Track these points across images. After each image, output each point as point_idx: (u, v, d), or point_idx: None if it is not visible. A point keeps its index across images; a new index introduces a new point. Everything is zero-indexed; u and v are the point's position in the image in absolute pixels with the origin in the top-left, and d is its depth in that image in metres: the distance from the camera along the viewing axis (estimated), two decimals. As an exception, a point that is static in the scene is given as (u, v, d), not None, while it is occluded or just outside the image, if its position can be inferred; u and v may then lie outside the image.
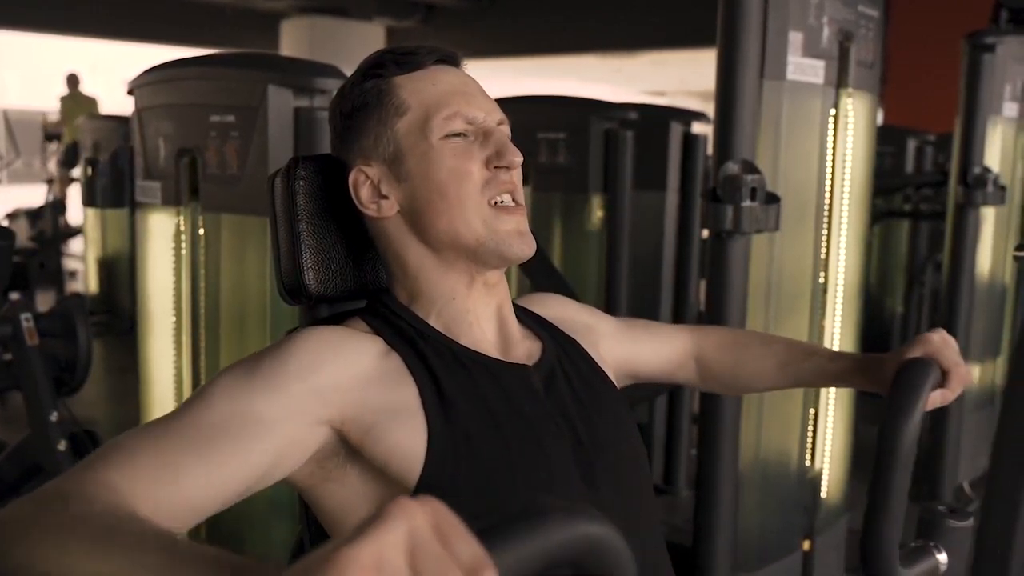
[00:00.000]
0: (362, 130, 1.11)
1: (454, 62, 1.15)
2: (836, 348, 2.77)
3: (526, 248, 1.09)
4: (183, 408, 0.96)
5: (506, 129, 1.12)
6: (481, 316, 1.12)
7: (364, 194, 1.11)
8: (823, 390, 2.72)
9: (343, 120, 1.14)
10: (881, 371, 1.22)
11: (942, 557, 1.16)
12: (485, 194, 1.07)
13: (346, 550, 0.51)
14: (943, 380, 1.17)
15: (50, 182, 8.87)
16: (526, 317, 1.21)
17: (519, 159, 1.08)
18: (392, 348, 1.06)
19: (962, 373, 1.18)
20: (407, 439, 0.99)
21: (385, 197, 1.10)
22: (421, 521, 0.54)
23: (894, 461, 1.10)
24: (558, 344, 1.19)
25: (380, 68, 1.11)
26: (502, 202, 1.08)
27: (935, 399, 1.16)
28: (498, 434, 1.02)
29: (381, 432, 0.99)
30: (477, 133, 1.09)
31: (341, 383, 1.00)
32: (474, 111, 1.09)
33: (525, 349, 1.15)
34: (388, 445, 0.99)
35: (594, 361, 1.23)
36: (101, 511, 0.77)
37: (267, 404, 0.96)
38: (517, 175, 1.10)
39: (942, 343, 1.18)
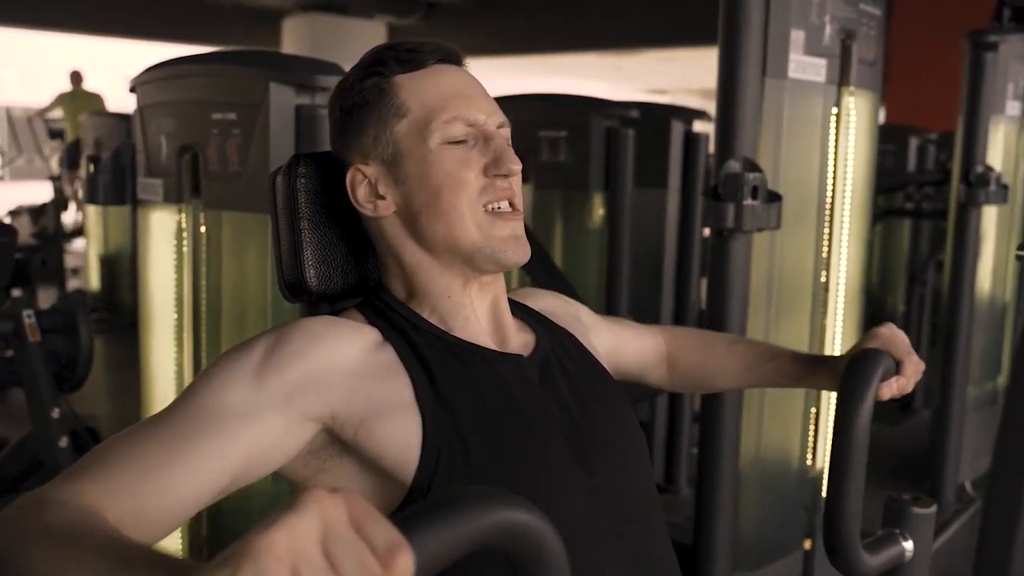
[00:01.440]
0: (361, 128, 1.11)
1: (456, 61, 1.14)
2: (838, 347, 2.76)
3: (521, 254, 1.09)
4: (172, 404, 0.96)
5: (506, 132, 1.11)
6: (477, 310, 1.12)
7: (361, 193, 1.11)
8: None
9: (342, 116, 1.14)
10: (836, 368, 1.27)
11: (908, 544, 1.18)
12: (481, 200, 1.07)
13: (258, 539, 0.51)
14: (897, 370, 1.21)
15: (54, 179, 8.87)
16: (518, 310, 1.21)
17: (518, 167, 1.08)
18: (386, 340, 1.06)
19: (914, 361, 1.22)
20: (401, 432, 0.99)
21: (382, 197, 1.10)
22: (333, 510, 0.55)
23: (849, 450, 1.14)
24: (551, 335, 1.19)
25: (381, 66, 1.10)
26: (499, 208, 1.08)
27: (891, 388, 1.20)
28: (493, 425, 1.02)
29: (374, 425, 0.99)
30: (477, 137, 1.08)
31: (328, 377, 1.00)
32: (475, 114, 1.08)
33: (520, 341, 1.15)
34: (381, 438, 0.99)
35: (588, 351, 1.23)
36: (68, 519, 0.78)
37: (248, 400, 0.95)
38: (516, 181, 1.10)
39: (891, 334, 1.23)
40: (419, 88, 1.09)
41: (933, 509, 1.18)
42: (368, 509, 0.56)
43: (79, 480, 0.86)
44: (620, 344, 1.38)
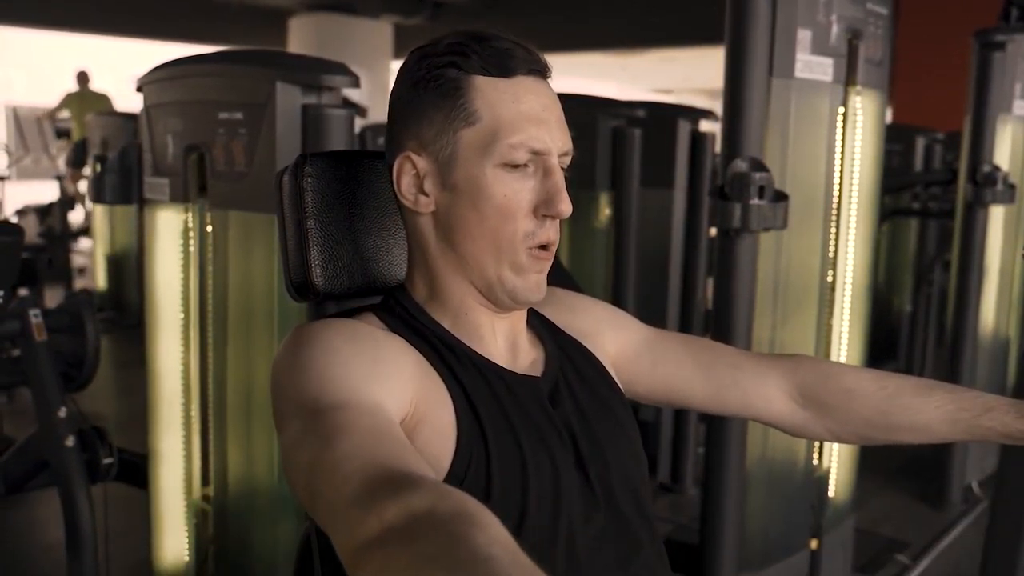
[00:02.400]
0: (424, 116, 1.06)
1: (543, 74, 1.08)
2: (844, 347, 2.76)
3: (539, 294, 1.08)
4: (312, 421, 0.88)
5: (568, 160, 1.07)
6: (498, 330, 1.11)
7: (405, 183, 1.07)
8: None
9: (410, 91, 1.08)
10: None
11: None
12: (527, 242, 1.04)
13: None
14: None
15: (61, 179, 8.90)
16: (532, 318, 1.19)
17: (568, 210, 1.04)
18: (414, 347, 1.05)
19: None
20: (438, 440, 0.99)
21: (425, 194, 1.07)
22: None
23: None
24: (561, 350, 1.17)
25: (465, 58, 1.03)
26: (538, 247, 1.06)
27: None
28: (517, 445, 1.02)
29: (422, 426, 0.99)
30: (537, 165, 1.04)
31: (400, 369, 1.00)
32: (543, 142, 1.03)
33: (531, 358, 1.14)
34: (424, 439, 0.98)
35: (600, 365, 1.21)
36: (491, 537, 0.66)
37: (382, 393, 0.94)
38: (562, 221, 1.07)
39: None
40: (496, 100, 1.03)
41: None
42: None
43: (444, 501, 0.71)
44: (681, 373, 1.26)
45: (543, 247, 1.06)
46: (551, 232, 1.05)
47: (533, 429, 1.04)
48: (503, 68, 1.03)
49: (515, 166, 1.03)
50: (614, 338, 1.27)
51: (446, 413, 1.00)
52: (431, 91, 1.04)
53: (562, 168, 1.06)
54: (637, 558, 1.07)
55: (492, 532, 0.65)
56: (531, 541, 0.98)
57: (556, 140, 1.04)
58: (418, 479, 0.74)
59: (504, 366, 1.09)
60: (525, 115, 1.03)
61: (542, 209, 1.04)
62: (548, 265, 1.08)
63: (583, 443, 1.08)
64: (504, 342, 1.12)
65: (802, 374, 1.25)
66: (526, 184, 1.04)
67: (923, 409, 1.19)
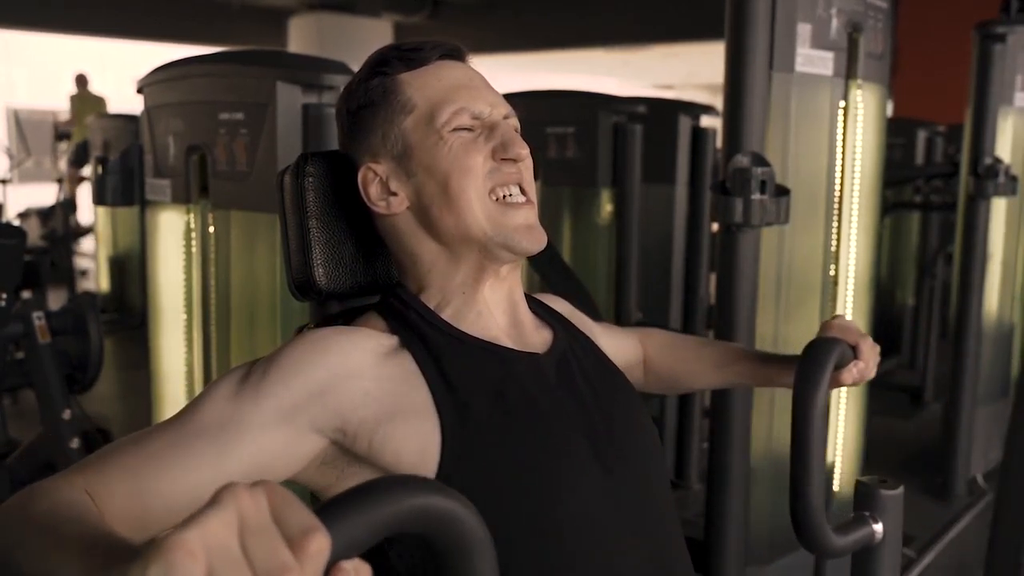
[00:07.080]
0: (369, 128, 1.11)
1: (459, 57, 1.15)
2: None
3: (535, 242, 1.09)
4: (178, 412, 0.98)
5: (513, 122, 1.12)
6: (492, 305, 1.12)
7: (373, 191, 1.11)
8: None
9: (350, 118, 1.14)
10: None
11: (878, 527, 1.21)
12: (488, 184, 1.07)
13: (174, 536, 0.52)
14: (855, 355, 1.25)
15: (60, 181, 8.91)
16: (538, 307, 1.21)
17: (525, 151, 1.08)
18: (403, 346, 1.05)
19: (869, 344, 1.25)
20: (418, 439, 0.98)
21: (394, 194, 1.10)
22: (250, 502, 0.55)
23: (808, 435, 1.18)
24: (569, 333, 1.19)
25: (385, 65, 1.12)
26: (509, 195, 1.08)
27: (851, 374, 1.23)
28: (510, 426, 1.02)
29: (390, 430, 0.98)
30: (483, 127, 1.09)
31: (334, 385, 0.99)
32: (480, 105, 1.09)
33: (538, 338, 1.15)
34: (396, 446, 0.98)
35: (604, 353, 1.23)
36: (47, 507, 0.81)
37: (251, 411, 0.95)
38: (526, 168, 1.10)
39: (842, 323, 1.27)
40: (424, 83, 1.10)
41: (900, 491, 1.22)
42: (288, 498, 0.57)
43: (77, 474, 0.89)
44: (615, 349, 1.38)
45: (523, 193, 1.09)
46: (512, 174, 1.08)
47: (531, 407, 1.04)
48: (420, 60, 1.12)
49: (463, 129, 1.08)
50: (596, 334, 1.33)
51: (423, 410, 1.00)
52: (366, 105, 1.12)
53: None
54: (653, 519, 1.08)
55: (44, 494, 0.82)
56: (540, 515, 0.99)
57: (491, 101, 1.10)
58: (52, 479, 0.87)
59: (508, 345, 1.10)
60: (453, 86, 1.10)
61: (500, 153, 1.07)
62: (531, 213, 1.10)
63: (596, 415, 1.09)
64: (505, 318, 1.13)
65: (645, 337, 1.48)
66: (477, 142, 1.08)
67: (701, 357, 1.43)
